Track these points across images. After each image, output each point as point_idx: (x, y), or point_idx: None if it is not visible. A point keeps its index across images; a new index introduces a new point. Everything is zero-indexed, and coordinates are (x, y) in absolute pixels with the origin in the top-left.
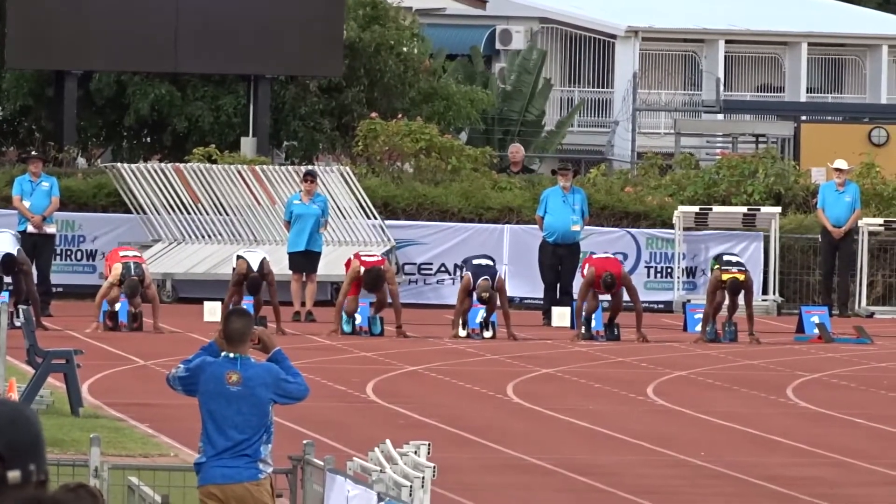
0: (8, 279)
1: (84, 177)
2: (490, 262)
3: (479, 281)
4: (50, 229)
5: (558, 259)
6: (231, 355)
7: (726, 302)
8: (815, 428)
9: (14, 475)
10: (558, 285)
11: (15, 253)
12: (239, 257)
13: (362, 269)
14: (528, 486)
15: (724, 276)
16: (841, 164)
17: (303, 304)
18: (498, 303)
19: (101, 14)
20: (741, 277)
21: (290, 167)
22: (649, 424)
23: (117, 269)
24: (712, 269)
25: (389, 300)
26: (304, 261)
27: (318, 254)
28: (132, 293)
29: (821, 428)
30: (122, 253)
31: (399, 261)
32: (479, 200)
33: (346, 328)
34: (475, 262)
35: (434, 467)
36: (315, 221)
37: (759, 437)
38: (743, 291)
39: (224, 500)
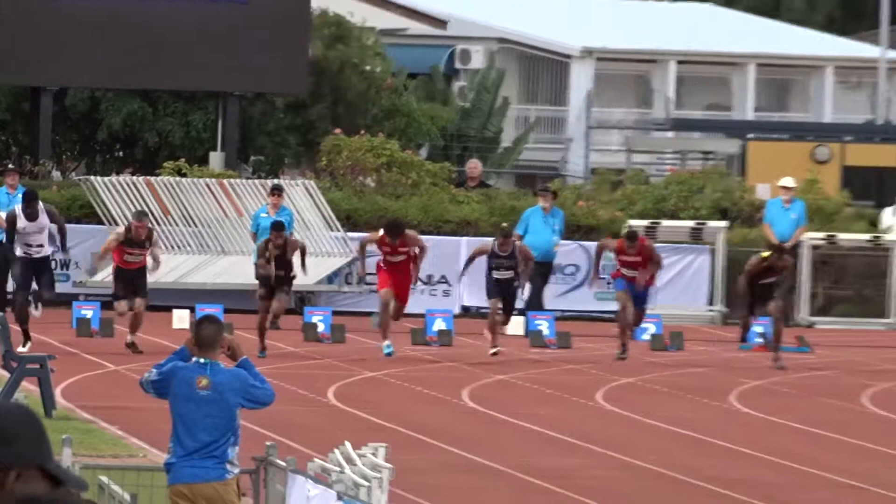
0: None
1: (59, 189)
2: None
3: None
4: None
5: (535, 273)
6: (201, 361)
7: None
8: (756, 432)
9: None
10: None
11: None
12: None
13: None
14: (482, 487)
15: (764, 254)
16: (788, 181)
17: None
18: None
19: (76, 32)
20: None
21: (256, 181)
22: (599, 428)
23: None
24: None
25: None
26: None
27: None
28: (140, 216)
29: (762, 432)
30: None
31: (355, 274)
32: (437, 214)
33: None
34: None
35: (391, 468)
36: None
37: (703, 441)
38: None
39: (192, 498)
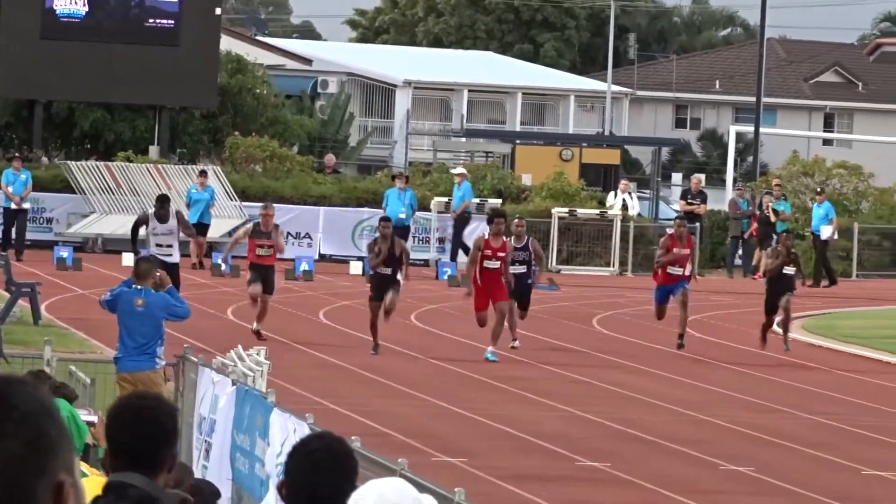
0: None
1: (46, 170)
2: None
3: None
4: (26, 205)
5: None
6: (138, 287)
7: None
8: (525, 346)
9: None
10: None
11: None
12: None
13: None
14: (333, 378)
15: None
16: (459, 170)
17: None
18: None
19: (61, 63)
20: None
21: (181, 167)
22: (407, 335)
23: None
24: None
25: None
26: (198, 229)
27: (208, 224)
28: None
29: (532, 350)
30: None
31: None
32: (303, 191)
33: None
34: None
35: (269, 364)
36: (206, 203)
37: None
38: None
39: (133, 382)
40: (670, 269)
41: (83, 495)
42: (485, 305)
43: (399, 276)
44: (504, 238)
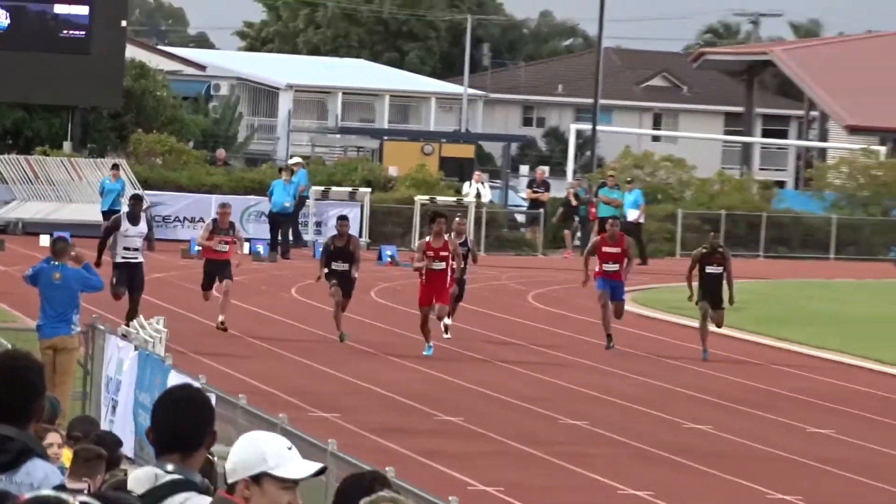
0: None
1: None
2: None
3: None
4: None
5: (279, 221)
6: (56, 263)
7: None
8: (465, 316)
9: None
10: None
11: None
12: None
13: None
14: (229, 344)
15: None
16: (296, 160)
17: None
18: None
19: None
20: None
21: (91, 160)
22: (284, 306)
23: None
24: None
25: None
26: (109, 215)
27: (118, 210)
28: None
29: (471, 316)
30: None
31: (153, 215)
32: (197, 180)
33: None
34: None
35: (167, 332)
36: (117, 193)
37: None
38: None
39: (53, 346)
40: (605, 266)
41: None
42: (428, 302)
43: (354, 272)
44: (446, 237)
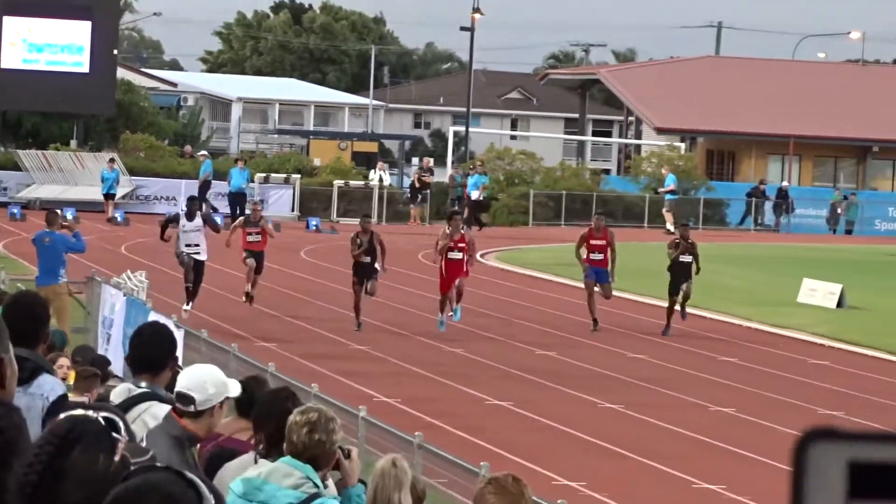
0: None
1: (3, 155)
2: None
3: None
4: None
5: (237, 201)
6: (48, 230)
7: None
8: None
9: None
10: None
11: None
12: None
13: None
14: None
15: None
16: (203, 152)
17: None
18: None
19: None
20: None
21: (91, 154)
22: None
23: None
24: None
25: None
26: (109, 197)
27: (115, 194)
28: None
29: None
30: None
31: (136, 195)
32: (171, 169)
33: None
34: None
35: (148, 282)
36: (113, 180)
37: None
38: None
39: (46, 294)
40: (592, 256)
41: (15, 367)
42: (448, 289)
43: (377, 265)
44: (462, 231)
